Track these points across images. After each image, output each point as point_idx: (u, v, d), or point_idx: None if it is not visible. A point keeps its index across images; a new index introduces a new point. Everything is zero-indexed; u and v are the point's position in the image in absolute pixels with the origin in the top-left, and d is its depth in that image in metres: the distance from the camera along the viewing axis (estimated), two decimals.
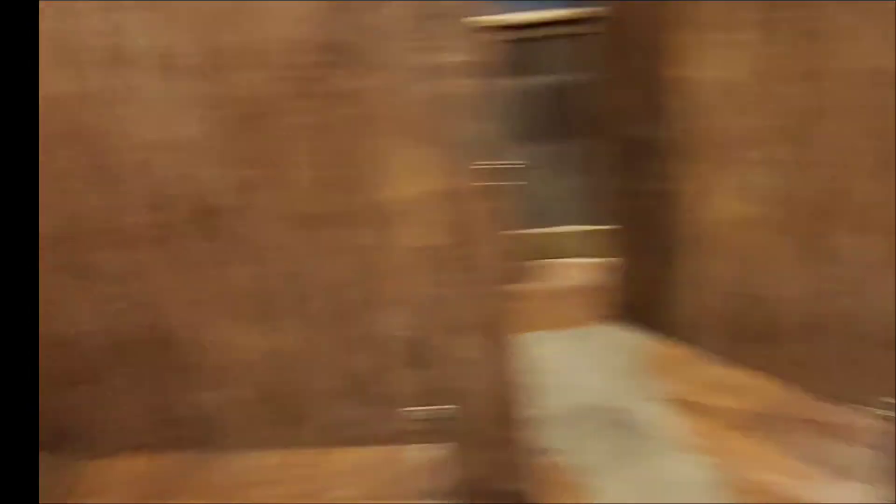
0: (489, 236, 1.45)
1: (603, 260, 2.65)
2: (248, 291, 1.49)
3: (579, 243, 2.89)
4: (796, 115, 1.87)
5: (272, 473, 2.00)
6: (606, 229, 2.55)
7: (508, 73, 2.58)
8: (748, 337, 2.19)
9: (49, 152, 1.38)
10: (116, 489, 2.05)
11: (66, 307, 1.51)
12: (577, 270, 2.85)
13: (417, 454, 1.75)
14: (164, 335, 1.54)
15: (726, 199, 2.13)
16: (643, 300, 2.43)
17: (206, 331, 1.53)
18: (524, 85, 2.66)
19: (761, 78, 1.93)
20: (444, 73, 1.28)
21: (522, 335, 1.62)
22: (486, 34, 1.38)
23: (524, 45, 2.56)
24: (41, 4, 1.25)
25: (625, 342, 2.43)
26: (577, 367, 2.31)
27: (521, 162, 2.50)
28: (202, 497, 1.96)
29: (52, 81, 1.33)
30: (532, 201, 2.84)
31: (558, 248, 2.92)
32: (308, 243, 1.43)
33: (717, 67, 2.02)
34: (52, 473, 2.08)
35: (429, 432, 1.66)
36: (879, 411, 1.75)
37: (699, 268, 2.23)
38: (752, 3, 1.90)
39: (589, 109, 2.63)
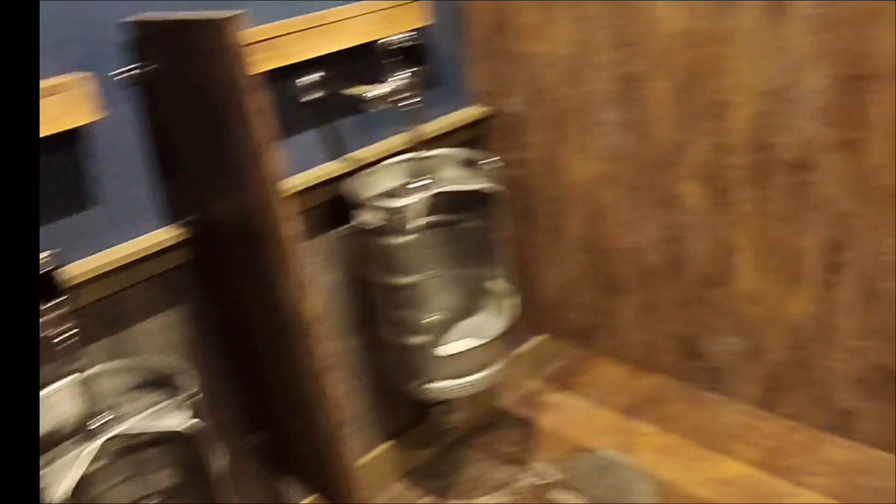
0: None
1: None
2: (796, 251, 1.48)
3: None
4: None
5: (753, 434, 2.00)
6: None
7: None
8: None
9: (660, 83, 1.52)
10: (600, 387, 2.28)
11: (634, 224, 1.68)
12: None
13: None
14: (706, 272, 1.61)
15: None
16: None
17: (743, 279, 1.57)
18: None
19: None
20: None
21: None
22: None
23: None
24: None
25: None
26: None
27: None
28: (670, 427, 2.07)
29: (674, 21, 1.45)
30: None
31: None
32: (875, 218, 1.35)
33: None
34: (565, 355, 2.40)
35: None
36: None
37: None
38: None
39: None
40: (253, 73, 1.09)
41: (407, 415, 2.01)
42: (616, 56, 1.56)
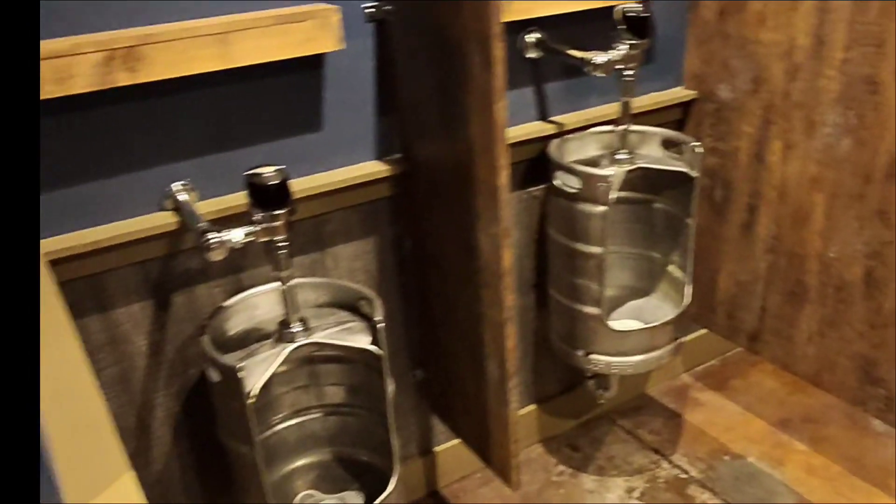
0: None
1: None
2: None
3: None
4: None
5: None
6: None
7: None
8: None
9: None
10: (755, 394, 2.20)
11: (836, 233, 1.59)
12: None
13: None
14: None
15: None
16: None
17: None
18: None
19: None
20: None
21: None
22: None
23: None
24: None
25: None
26: None
27: None
28: (825, 449, 1.98)
29: None
30: None
31: None
32: None
33: None
34: (724, 354, 2.34)
35: None
36: None
37: None
38: None
39: None
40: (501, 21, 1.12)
41: (557, 381, 2.03)
42: (854, 55, 1.47)
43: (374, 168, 1.49)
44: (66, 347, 1.00)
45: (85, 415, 0.90)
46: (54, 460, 0.73)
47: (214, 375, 1.27)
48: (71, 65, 1.11)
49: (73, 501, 0.75)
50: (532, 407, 2.01)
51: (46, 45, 1.11)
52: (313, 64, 1.37)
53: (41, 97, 1.11)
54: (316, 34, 1.29)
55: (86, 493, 0.78)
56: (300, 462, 1.58)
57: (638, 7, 1.51)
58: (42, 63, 1.09)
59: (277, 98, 1.37)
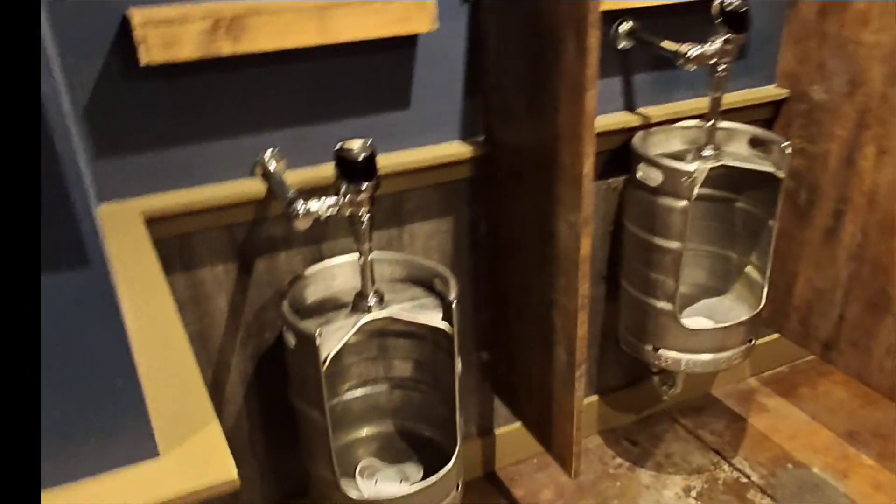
0: None
1: None
2: None
3: None
4: None
5: None
6: None
7: None
8: None
9: None
10: (823, 403, 2.15)
11: None
12: None
13: None
14: None
15: None
16: None
17: None
18: None
19: None
20: None
21: None
22: None
23: None
24: None
25: None
26: None
27: None
28: (891, 466, 1.94)
29: None
30: None
31: None
32: None
33: None
34: (794, 361, 2.31)
35: None
36: None
37: None
38: None
39: None
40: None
41: (620, 374, 2.02)
42: None
43: (456, 149, 1.50)
44: (161, 303, 1.05)
45: (176, 365, 0.95)
46: (148, 406, 0.77)
47: (292, 340, 1.31)
48: (179, 32, 1.16)
49: (164, 444, 0.80)
50: (594, 397, 2.00)
51: (155, 13, 1.16)
52: (406, 43, 1.39)
53: (149, 61, 1.16)
54: (411, 14, 1.31)
55: (175, 437, 0.82)
56: (363, 432, 1.62)
57: (737, 1, 1.48)
58: (152, 29, 1.14)
59: (369, 75, 1.39)
